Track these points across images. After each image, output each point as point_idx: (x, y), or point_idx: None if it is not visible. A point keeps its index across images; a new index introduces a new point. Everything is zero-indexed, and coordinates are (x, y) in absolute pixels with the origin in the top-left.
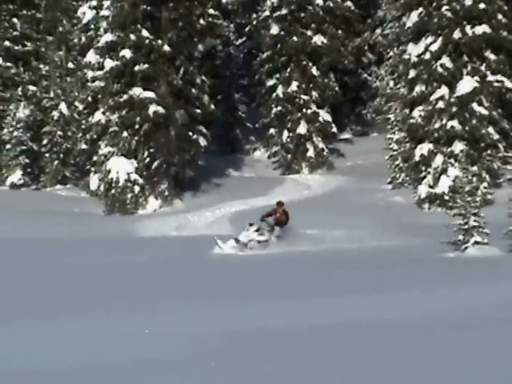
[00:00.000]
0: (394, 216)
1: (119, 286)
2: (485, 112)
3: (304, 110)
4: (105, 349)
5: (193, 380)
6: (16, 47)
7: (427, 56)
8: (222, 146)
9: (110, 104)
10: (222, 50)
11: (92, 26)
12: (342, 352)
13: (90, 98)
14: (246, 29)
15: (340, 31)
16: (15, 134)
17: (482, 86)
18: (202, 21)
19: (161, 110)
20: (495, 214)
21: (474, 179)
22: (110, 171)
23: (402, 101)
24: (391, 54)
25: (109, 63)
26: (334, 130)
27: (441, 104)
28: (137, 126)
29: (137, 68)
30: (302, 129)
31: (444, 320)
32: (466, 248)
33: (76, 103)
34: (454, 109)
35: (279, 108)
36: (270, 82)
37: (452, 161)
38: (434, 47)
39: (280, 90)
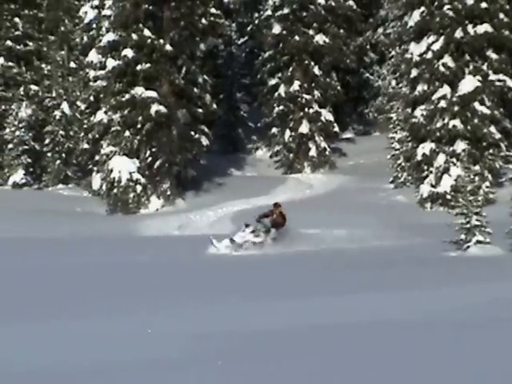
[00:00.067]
0: (396, 215)
1: (121, 286)
2: (487, 111)
3: (306, 110)
4: (106, 349)
5: (194, 380)
6: (18, 47)
7: (429, 55)
8: (224, 145)
9: (112, 103)
10: (223, 50)
11: (94, 26)
12: (342, 352)
13: (92, 98)
14: (248, 28)
15: (342, 30)
16: (17, 133)
17: (483, 86)
18: (203, 20)
19: (163, 109)
20: (497, 214)
21: (476, 178)
22: (112, 171)
23: (403, 100)
24: (393, 53)
25: (111, 63)
26: (336, 129)
27: (443, 103)
28: (139, 126)
29: (139, 67)
30: (304, 128)
31: (446, 319)
32: (468, 247)
33: (78, 103)
34: (456, 108)
35: (281, 107)
36: (272, 82)
37: (454, 160)
38: (436, 46)
39: (282, 90)
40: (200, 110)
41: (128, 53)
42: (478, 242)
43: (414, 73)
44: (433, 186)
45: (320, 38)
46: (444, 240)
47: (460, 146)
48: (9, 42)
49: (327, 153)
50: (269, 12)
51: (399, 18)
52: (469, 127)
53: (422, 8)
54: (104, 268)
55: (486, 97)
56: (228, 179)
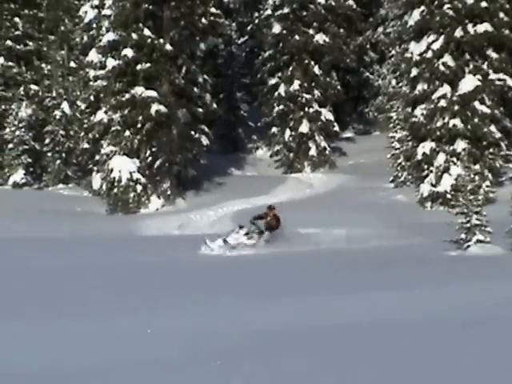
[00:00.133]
0: (397, 215)
1: (121, 286)
2: (487, 110)
3: (306, 109)
4: (106, 349)
5: (194, 380)
6: (18, 46)
7: (429, 54)
8: (225, 144)
9: (112, 103)
10: (224, 49)
11: (94, 25)
12: (341, 352)
13: (92, 97)
14: (248, 27)
15: (342, 30)
16: (17, 133)
17: (483, 85)
18: (203, 20)
19: (163, 109)
20: (497, 213)
21: (477, 178)
22: (112, 170)
23: (404, 99)
24: (393, 52)
25: (111, 62)
26: (336, 128)
27: (443, 102)
28: (139, 125)
29: (139, 67)
30: (304, 127)
31: (446, 318)
32: (469, 246)
33: (78, 102)
34: (456, 107)
35: (281, 107)
36: (272, 81)
37: (454, 159)
38: (436, 46)
39: (282, 89)
40: (200, 110)
41: (128, 52)
42: (479, 241)
43: (414, 72)
44: (433, 185)
45: (320, 38)
46: (444, 239)
47: (460, 145)
48: (9, 42)
49: (327, 152)
50: (269, 11)
51: (399, 17)
52: (469, 126)
53: (422, 7)
54: (104, 268)
55: (486, 96)
56: (228, 179)
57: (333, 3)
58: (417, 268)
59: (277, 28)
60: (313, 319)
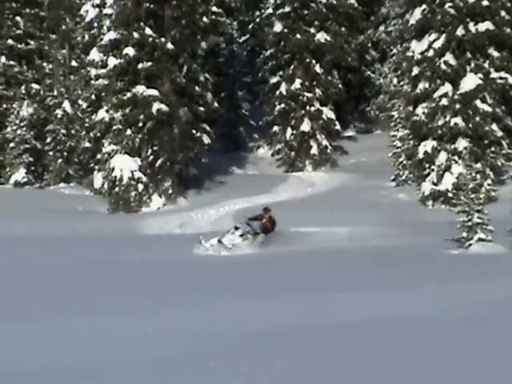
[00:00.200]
0: (398, 213)
1: (122, 285)
2: (488, 109)
3: (307, 108)
4: (107, 348)
5: (194, 380)
6: (19, 45)
7: (430, 53)
8: (226, 143)
9: (114, 102)
10: (225, 48)
11: (95, 24)
12: (343, 350)
13: (93, 96)
14: (250, 26)
15: (343, 28)
16: (19, 132)
17: (485, 83)
18: (205, 18)
19: (164, 107)
20: (499, 211)
21: (478, 176)
22: (113, 169)
23: (405, 98)
24: (394, 51)
25: (112, 61)
26: (338, 127)
27: (444, 101)
28: (140, 124)
29: (140, 66)
30: (306, 126)
31: (448, 317)
32: (470, 245)
33: (79, 101)
34: (458, 106)
35: (283, 105)
36: (274, 80)
37: (456, 158)
38: (438, 44)
39: (283, 88)
40: (201, 109)
41: (129, 51)
42: (480, 239)
43: (416, 71)
44: (434, 183)
45: (321, 36)
46: (446, 238)
47: (462, 143)
48: (10, 41)
49: (329, 151)
50: (270, 10)
51: (400, 16)
52: (470, 125)
53: (424, 6)
54: (105, 266)
55: (487, 94)
56: (229, 177)
57: (334, 2)
58: (418, 266)
59: (278, 27)
60: (314, 318)
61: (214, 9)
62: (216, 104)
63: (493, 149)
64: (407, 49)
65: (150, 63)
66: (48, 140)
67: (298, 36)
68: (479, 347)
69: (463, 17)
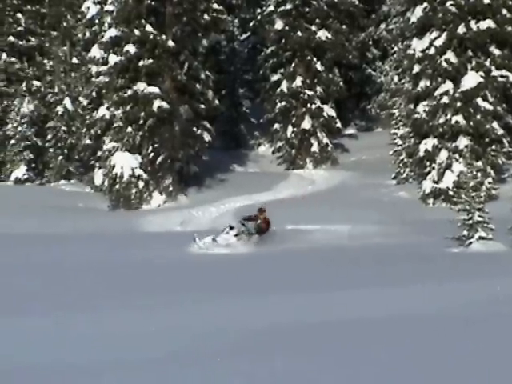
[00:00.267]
0: (399, 211)
1: (123, 283)
2: (489, 107)
3: (308, 105)
4: (108, 347)
5: (196, 377)
6: (20, 42)
7: (432, 51)
8: (227, 141)
9: (115, 99)
10: (226, 45)
11: (96, 21)
12: (343, 348)
13: (94, 93)
14: (251, 24)
15: (344, 26)
16: (19, 129)
17: (486, 81)
18: (206, 16)
19: (165, 105)
20: (500, 210)
21: (479, 174)
22: (114, 166)
23: (406, 96)
24: (396, 49)
25: (113, 58)
26: (339, 125)
27: (445, 99)
28: (141, 122)
29: (141, 63)
30: (307, 124)
31: (448, 315)
32: (471, 243)
33: (80, 98)
34: (459, 104)
35: (283, 103)
36: (275, 77)
37: (456, 156)
38: (439, 42)
39: (284, 85)
40: (202, 106)
41: (130, 48)
42: (481, 238)
43: (417, 69)
44: (435, 182)
45: (322, 34)
46: (446, 236)
47: (462, 141)
48: (11, 38)
49: (329, 149)
50: (271, 8)
51: (402, 14)
52: (471, 123)
53: (425, 4)
54: (107, 264)
55: (488, 93)
56: (230, 175)
57: (335, 0)
58: (419, 264)
59: (279, 24)
60: (314, 316)
61: (215, 6)
62: (217, 101)
63: (494, 147)
64: (408, 47)
65: (150, 60)
66: (49, 137)
67: (299, 34)
68: (479, 345)
69: (464, 15)
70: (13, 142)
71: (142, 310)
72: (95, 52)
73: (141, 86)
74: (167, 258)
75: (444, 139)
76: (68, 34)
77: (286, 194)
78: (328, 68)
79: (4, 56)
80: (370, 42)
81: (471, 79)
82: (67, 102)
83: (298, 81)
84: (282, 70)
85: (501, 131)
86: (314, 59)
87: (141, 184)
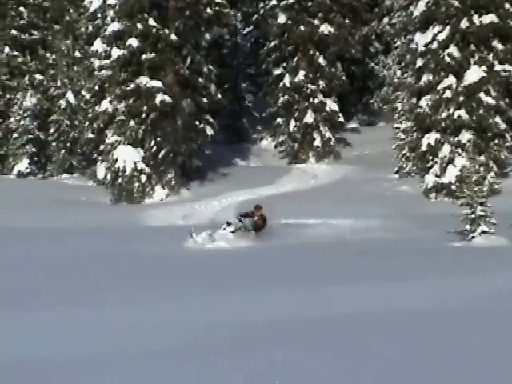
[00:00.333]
0: (401, 205)
1: (126, 276)
2: (492, 101)
3: (311, 100)
4: (110, 340)
5: (197, 370)
6: (23, 36)
7: (434, 45)
8: (229, 135)
9: (117, 93)
10: (229, 39)
11: (99, 15)
12: (344, 342)
13: (96, 87)
14: (253, 18)
15: (347, 20)
16: (22, 122)
17: (489, 76)
18: (208, 10)
19: (168, 99)
20: (502, 204)
21: (481, 169)
22: (116, 160)
23: (409, 90)
24: (398, 43)
25: (116, 52)
26: (341, 119)
27: (448, 93)
28: (144, 115)
29: (144, 57)
30: (309, 118)
31: (450, 309)
32: (473, 237)
33: (83, 92)
34: (462, 98)
35: (286, 97)
36: (277, 71)
37: (459, 150)
38: (442, 36)
39: (287, 80)
40: (205, 100)
41: (133, 42)
42: (483, 232)
43: (420, 63)
44: (438, 176)
45: (325, 28)
46: (449, 230)
47: (465, 136)
48: (14, 31)
49: (332, 143)
50: (274, 1)
51: (404, 8)
52: (474, 117)
53: None
54: (109, 258)
55: (491, 87)
56: (233, 169)
57: None
58: (421, 259)
59: (282, 18)
60: (314, 310)
61: (218, 0)
62: (219, 95)
63: (496, 141)
64: (411, 41)
65: (153, 54)
66: (51, 130)
67: (302, 28)
68: (481, 340)
69: (467, 9)
70: (15, 135)
71: (142, 304)
72: (98, 46)
73: (143, 80)
74: (170, 252)
75: (447, 133)
76: (71, 28)
77: (289, 188)
78: (331, 62)
79: (6, 49)
80: (373, 36)
81: (474, 73)
82: (70, 95)
83: (301, 75)
84: (284, 64)
85: (503, 126)
86: (317, 53)
87: (143, 178)
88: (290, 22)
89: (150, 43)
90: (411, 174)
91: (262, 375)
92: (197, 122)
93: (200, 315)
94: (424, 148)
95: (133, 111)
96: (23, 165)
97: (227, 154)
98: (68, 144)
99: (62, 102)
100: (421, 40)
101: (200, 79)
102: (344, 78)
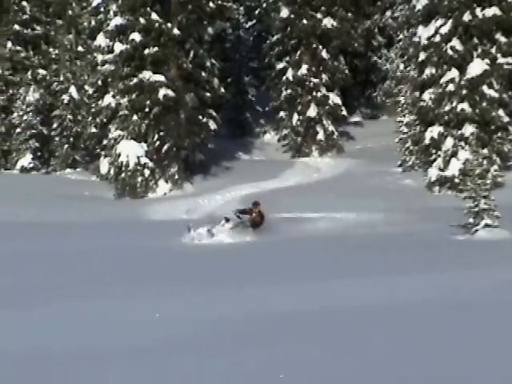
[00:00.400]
0: (404, 199)
1: (128, 271)
2: (495, 94)
3: (314, 93)
4: (111, 335)
5: (198, 364)
6: (26, 31)
7: (437, 39)
8: (232, 129)
9: (120, 87)
10: (231, 33)
11: (101, 9)
12: (344, 336)
13: (99, 82)
14: (256, 12)
15: (350, 14)
16: (25, 117)
17: (492, 69)
18: (211, 3)
19: (171, 93)
20: (506, 197)
21: (485, 162)
22: (119, 155)
23: (412, 83)
24: (401, 36)
25: (118, 47)
26: (344, 112)
27: (451, 87)
28: (147, 110)
29: (146, 51)
30: (312, 112)
31: (452, 303)
32: (477, 231)
33: (86, 87)
34: (465, 91)
35: (289, 91)
36: (280, 65)
37: (462, 144)
38: (444, 30)
39: (290, 73)
40: (208, 94)
41: (136, 37)
42: (487, 225)
43: (422, 56)
44: (441, 169)
45: (328, 22)
46: (452, 224)
47: (468, 129)
48: (16, 26)
49: (335, 136)
50: None
51: (407, 1)
52: (477, 111)
53: None
54: (112, 253)
55: (494, 80)
56: (236, 163)
57: None
58: (424, 252)
59: (284, 12)
60: (315, 304)
61: None
62: (222, 89)
63: (499, 134)
64: (414, 34)
65: (156, 49)
66: (54, 125)
67: (305, 21)
68: (482, 333)
69: (470, 2)
70: (18, 130)
71: (143, 299)
72: (101, 40)
73: (146, 75)
74: (172, 247)
75: (450, 127)
76: (73, 23)
77: (292, 182)
78: (333, 56)
79: (9, 44)
80: (376, 30)
81: (477, 67)
82: (73, 90)
83: (304, 69)
84: (287, 58)
85: (506, 118)
86: (320, 47)
87: (146, 172)
88: (292, 16)
89: (153, 37)
90: (414, 168)
91: (263, 369)
92: (200, 116)
93: (200, 310)
94: (427, 141)
95: (136, 106)
96: (26, 160)
97: (230, 148)
98: (71, 139)
99: (65, 97)
100: (423, 33)
101: (203, 73)
102: (347, 71)
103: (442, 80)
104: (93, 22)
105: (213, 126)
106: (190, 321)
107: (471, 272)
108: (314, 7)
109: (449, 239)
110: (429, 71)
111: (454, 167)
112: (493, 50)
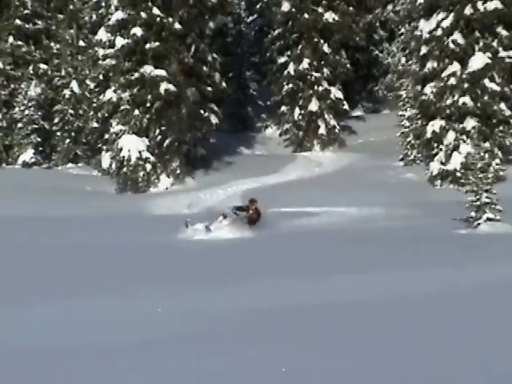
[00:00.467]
0: (406, 193)
1: (130, 266)
2: (497, 88)
3: (315, 87)
4: (111, 330)
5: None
6: (27, 25)
7: (439, 32)
8: (234, 123)
9: (122, 82)
10: (233, 28)
11: (103, 4)
12: (344, 330)
13: (101, 76)
14: (257, 6)
15: (351, 8)
16: (27, 112)
17: (493, 62)
18: None
19: (172, 88)
20: (507, 191)
21: (486, 156)
22: (121, 149)
23: (413, 77)
24: (403, 30)
25: (120, 41)
26: (346, 107)
27: (452, 80)
28: (148, 104)
29: (148, 46)
30: (314, 106)
31: (452, 296)
32: (479, 225)
33: (87, 81)
34: (466, 85)
35: (291, 85)
36: (282, 60)
37: (464, 137)
38: (446, 23)
39: (291, 68)
40: (209, 89)
41: (137, 31)
42: (488, 219)
43: (424, 50)
44: (443, 163)
45: (329, 16)
46: (454, 217)
47: (470, 123)
48: (18, 21)
49: (336, 131)
50: None
51: None
52: (479, 104)
53: None
54: (113, 248)
55: (495, 74)
56: (237, 158)
57: None
58: (426, 246)
59: (286, 6)
60: (315, 299)
61: None
62: (224, 84)
63: (501, 128)
64: (415, 28)
65: (157, 43)
66: (56, 120)
67: (306, 16)
68: (482, 328)
69: None
70: (20, 125)
71: (142, 294)
72: (102, 35)
73: (148, 69)
74: (174, 242)
75: (451, 120)
76: (74, 17)
77: (294, 177)
78: (335, 50)
79: (11, 39)
80: (377, 24)
81: (478, 60)
82: (74, 85)
83: (305, 63)
84: (288, 52)
85: (508, 112)
86: (321, 41)
87: (148, 167)
88: (294, 10)
89: (154, 32)
90: (416, 162)
91: (261, 364)
92: (201, 111)
93: (199, 306)
94: (429, 135)
95: (137, 100)
96: (28, 155)
97: (232, 142)
98: (72, 134)
99: (67, 92)
100: (425, 27)
101: (204, 68)
102: (348, 65)
103: (444, 74)
104: (94, 17)
105: (214, 120)
106: (188, 317)
107: (472, 266)
108: (316, 1)
109: (451, 233)
110: (430, 65)
111: (456, 161)
112: (494, 44)
